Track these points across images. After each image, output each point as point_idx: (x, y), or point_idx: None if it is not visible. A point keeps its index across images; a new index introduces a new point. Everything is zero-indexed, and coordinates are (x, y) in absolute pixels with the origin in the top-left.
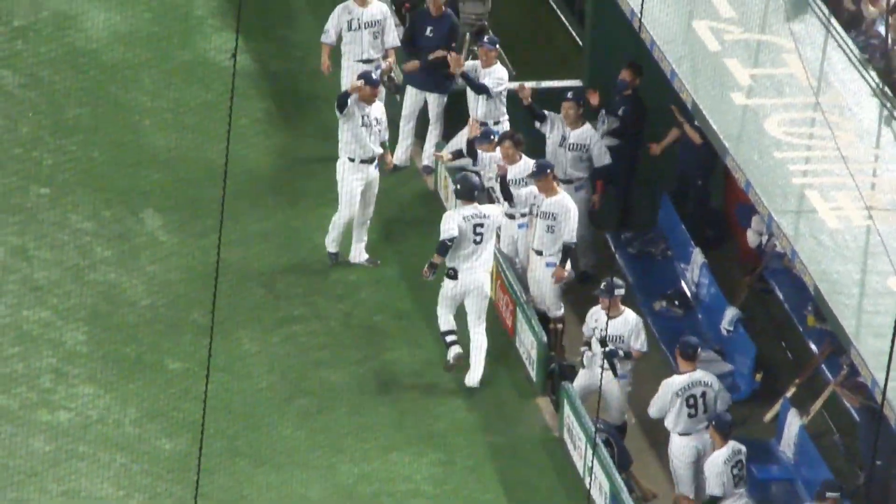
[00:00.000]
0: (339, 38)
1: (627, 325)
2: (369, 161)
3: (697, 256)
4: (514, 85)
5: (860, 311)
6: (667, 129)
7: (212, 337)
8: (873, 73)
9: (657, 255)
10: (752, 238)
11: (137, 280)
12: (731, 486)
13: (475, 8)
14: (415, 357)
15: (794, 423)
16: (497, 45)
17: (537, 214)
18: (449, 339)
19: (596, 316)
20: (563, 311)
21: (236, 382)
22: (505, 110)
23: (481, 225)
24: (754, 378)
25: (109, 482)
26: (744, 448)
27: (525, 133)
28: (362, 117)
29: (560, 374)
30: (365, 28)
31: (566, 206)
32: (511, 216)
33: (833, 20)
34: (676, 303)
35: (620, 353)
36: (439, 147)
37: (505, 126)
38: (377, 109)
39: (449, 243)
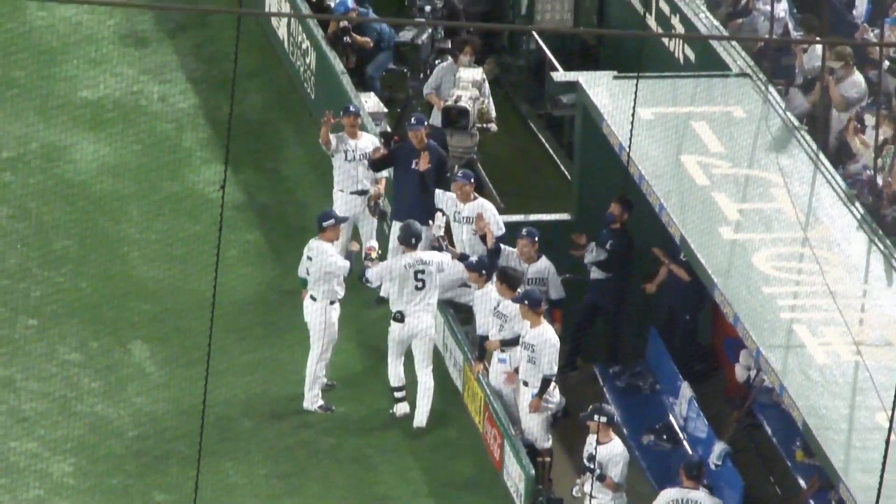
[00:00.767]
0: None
1: (610, 453)
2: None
3: (685, 390)
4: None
5: (849, 446)
6: (656, 264)
7: (198, 469)
8: (861, 208)
9: (645, 388)
10: (740, 373)
11: (124, 411)
12: None
13: (462, 141)
14: (405, 492)
15: None
16: (472, 180)
17: (522, 345)
18: (398, 395)
19: (590, 440)
20: (550, 442)
21: None
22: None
23: (422, 272)
24: None
25: None
26: None
27: None
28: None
29: None
30: (359, 160)
31: (546, 339)
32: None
33: (821, 155)
34: (664, 437)
35: (597, 472)
36: None
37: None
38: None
39: (368, 282)
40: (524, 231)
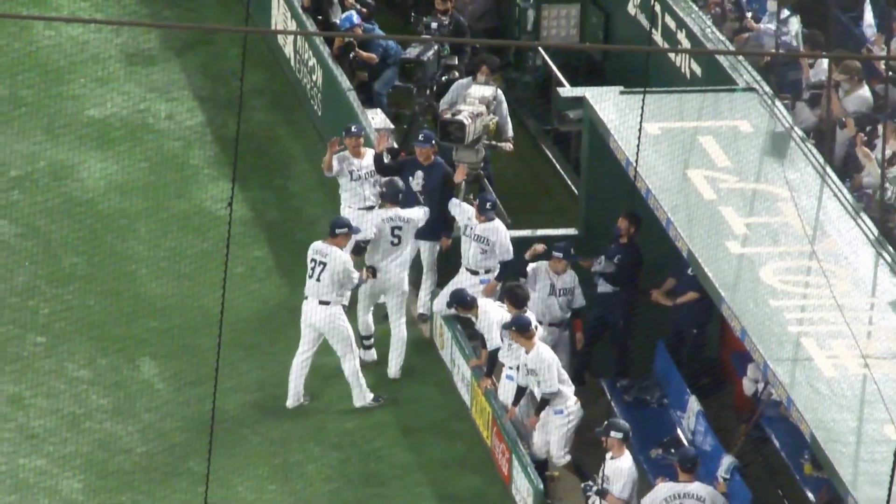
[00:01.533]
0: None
1: (618, 469)
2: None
3: (693, 404)
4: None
5: (857, 459)
6: (662, 278)
7: (207, 485)
8: (868, 221)
9: (653, 402)
10: (748, 386)
11: (133, 428)
12: None
13: (468, 157)
14: None
15: None
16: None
17: (526, 371)
18: (366, 343)
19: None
20: (568, 458)
21: None
22: (498, 262)
23: (399, 228)
24: None
25: None
26: None
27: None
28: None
29: None
30: (365, 178)
31: (543, 359)
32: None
33: (828, 169)
34: (672, 450)
35: (594, 488)
36: (434, 295)
37: (495, 274)
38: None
39: (363, 244)
40: (556, 247)
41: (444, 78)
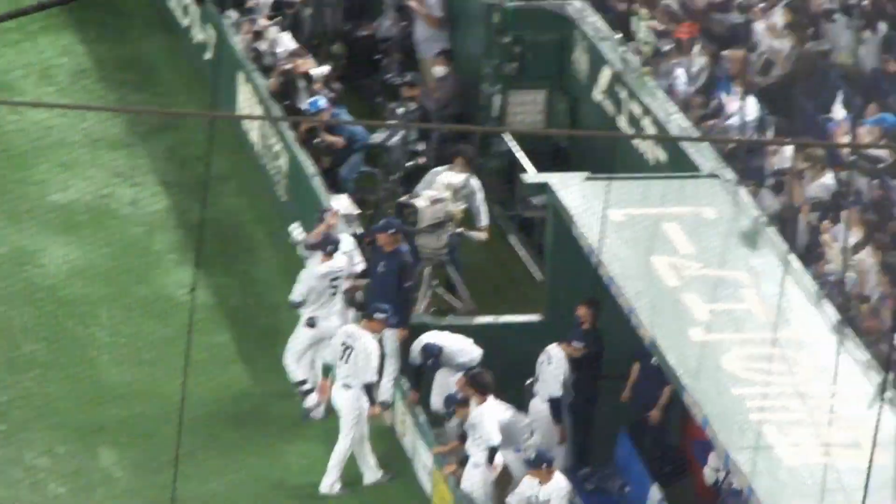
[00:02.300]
0: None
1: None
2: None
3: (655, 493)
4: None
5: None
6: (625, 366)
7: None
8: (831, 308)
9: (614, 491)
10: (709, 475)
11: None
12: None
13: (430, 242)
14: None
15: None
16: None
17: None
18: (304, 388)
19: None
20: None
21: None
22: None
23: (337, 278)
24: None
25: None
26: None
27: None
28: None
29: None
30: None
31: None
32: None
33: (791, 256)
34: None
35: None
36: (397, 381)
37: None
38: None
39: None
40: (573, 338)
41: (410, 164)
